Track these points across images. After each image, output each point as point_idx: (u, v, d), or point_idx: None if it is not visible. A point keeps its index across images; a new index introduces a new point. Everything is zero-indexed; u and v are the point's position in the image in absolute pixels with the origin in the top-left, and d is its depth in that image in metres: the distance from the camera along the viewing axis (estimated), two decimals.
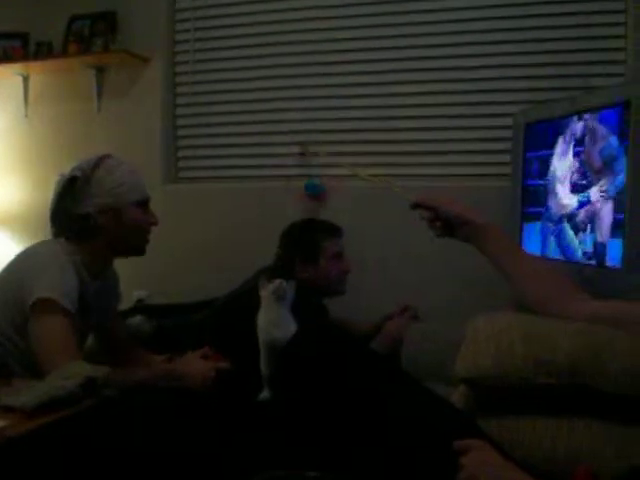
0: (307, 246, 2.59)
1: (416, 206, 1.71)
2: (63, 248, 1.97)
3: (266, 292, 1.89)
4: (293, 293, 1.90)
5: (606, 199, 1.96)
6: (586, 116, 2.11)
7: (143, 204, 2.08)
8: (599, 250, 2.00)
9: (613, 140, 1.94)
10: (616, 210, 1.91)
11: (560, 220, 2.24)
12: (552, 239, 2.30)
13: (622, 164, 1.88)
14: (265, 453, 1.56)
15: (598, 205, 2.00)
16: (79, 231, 1.99)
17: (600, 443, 1.29)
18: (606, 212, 1.96)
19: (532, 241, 2.43)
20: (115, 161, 2.05)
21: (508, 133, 2.80)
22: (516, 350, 1.33)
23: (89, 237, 2.00)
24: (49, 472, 1.40)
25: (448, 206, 1.65)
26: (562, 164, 2.24)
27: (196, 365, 1.98)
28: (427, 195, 1.70)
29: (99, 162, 2.01)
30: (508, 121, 2.80)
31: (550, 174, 2.32)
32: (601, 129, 2.03)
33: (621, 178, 1.88)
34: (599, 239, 2.00)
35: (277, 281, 1.88)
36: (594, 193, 2.03)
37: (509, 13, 3.04)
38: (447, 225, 1.66)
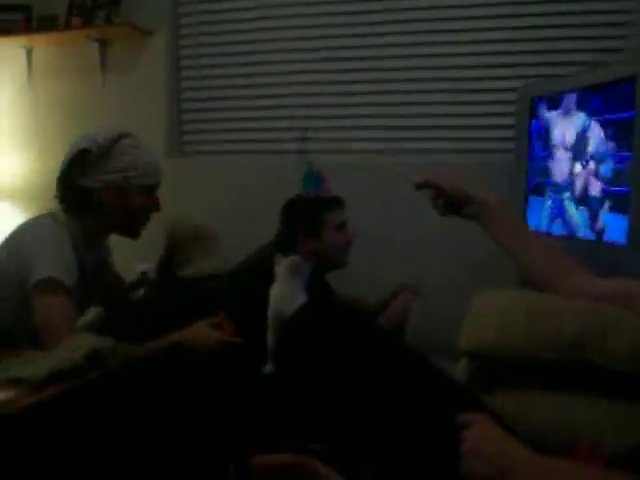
0: (309, 219, 2.59)
1: (420, 186, 1.69)
2: (59, 221, 1.97)
3: (281, 268, 1.88)
4: (308, 271, 1.89)
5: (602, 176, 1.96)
6: (590, 91, 2.11)
7: (150, 190, 2.09)
8: (598, 225, 2.00)
9: (617, 115, 1.94)
10: (618, 185, 1.91)
11: (561, 192, 2.24)
12: (556, 214, 2.30)
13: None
14: (267, 426, 1.57)
15: (595, 180, 2.01)
16: (79, 203, 2.00)
17: (602, 420, 1.30)
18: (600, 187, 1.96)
19: (537, 216, 2.43)
20: (132, 142, 2.05)
21: (512, 108, 2.80)
22: (520, 324, 1.34)
23: (88, 211, 2.00)
24: (56, 443, 1.42)
25: (453, 184, 1.65)
26: (565, 133, 2.24)
27: (203, 334, 1.98)
28: (430, 174, 1.69)
29: (116, 139, 2.01)
30: (511, 96, 2.79)
31: (553, 142, 2.32)
32: (605, 103, 2.02)
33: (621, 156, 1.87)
34: (598, 213, 2.01)
35: (293, 257, 1.88)
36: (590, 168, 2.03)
37: None
38: (451, 204, 1.65)
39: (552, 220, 2.33)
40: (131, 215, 2.07)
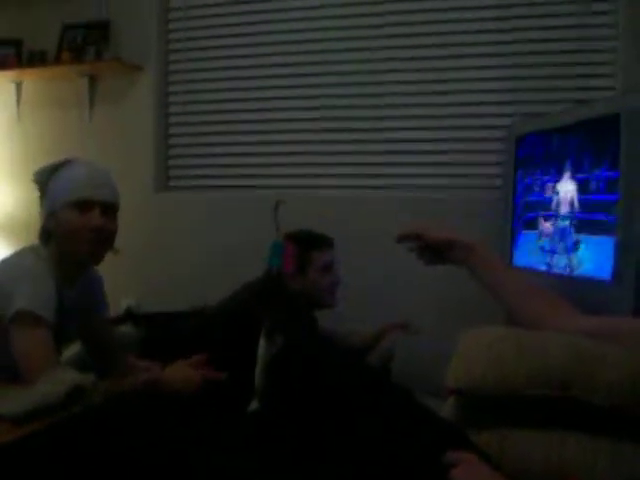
0: (296, 256, 2.58)
1: (401, 239, 1.70)
2: (38, 255, 1.95)
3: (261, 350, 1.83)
4: None
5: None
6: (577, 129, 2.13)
7: (79, 206, 1.94)
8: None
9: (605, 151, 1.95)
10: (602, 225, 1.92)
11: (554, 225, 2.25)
12: (542, 250, 2.31)
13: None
14: (254, 463, 1.55)
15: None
16: (42, 235, 2.00)
17: (591, 457, 1.28)
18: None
19: (526, 251, 2.43)
20: (71, 165, 2.00)
21: (499, 145, 2.82)
22: (507, 361, 1.33)
23: (48, 242, 1.99)
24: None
25: (434, 232, 1.65)
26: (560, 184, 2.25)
27: (182, 373, 1.98)
28: (412, 226, 1.69)
29: (57, 168, 2.00)
30: (498, 133, 2.82)
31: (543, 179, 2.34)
32: (591, 140, 2.04)
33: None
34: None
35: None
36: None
37: (500, 26, 3.07)
38: (436, 251, 1.65)
39: (536, 255, 2.33)
40: (67, 236, 1.95)
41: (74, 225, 1.93)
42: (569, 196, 2.12)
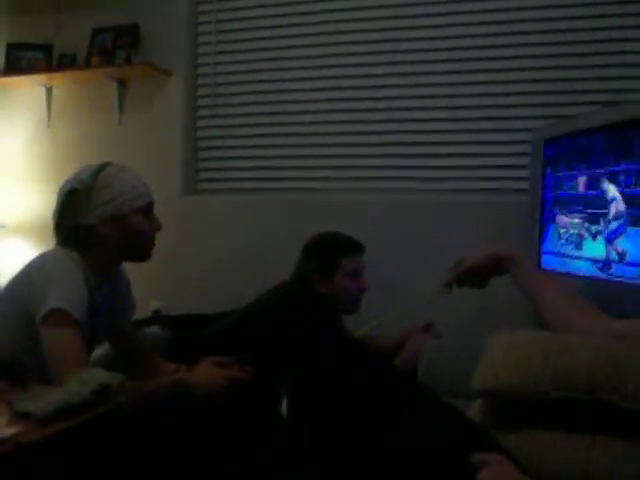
0: (324, 261, 2.58)
1: (450, 285, 1.77)
2: (70, 256, 1.96)
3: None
4: None
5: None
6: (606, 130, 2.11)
7: (146, 210, 2.04)
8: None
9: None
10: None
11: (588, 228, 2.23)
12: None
13: None
14: (279, 467, 1.55)
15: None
16: (83, 241, 1.98)
17: (619, 461, 1.26)
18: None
19: (553, 245, 2.42)
20: (114, 169, 2.02)
21: (525, 148, 2.80)
22: (535, 363, 1.32)
23: (93, 246, 1.98)
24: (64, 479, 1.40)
25: (473, 259, 1.71)
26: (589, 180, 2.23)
27: (209, 373, 1.99)
28: (453, 271, 1.76)
29: (98, 172, 1.99)
30: (526, 136, 2.80)
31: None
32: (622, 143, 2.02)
33: None
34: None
35: None
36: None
37: (530, 28, 3.05)
38: (483, 274, 1.72)
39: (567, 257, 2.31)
40: (135, 240, 2.02)
41: (145, 228, 2.03)
42: (612, 195, 2.10)
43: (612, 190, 2.09)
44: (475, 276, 1.73)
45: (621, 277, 2.04)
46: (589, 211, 2.22)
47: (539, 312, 1.59)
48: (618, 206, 2.06)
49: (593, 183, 2.20)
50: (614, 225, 2.08)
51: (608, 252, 2.10)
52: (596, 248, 2.17)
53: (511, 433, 1.36)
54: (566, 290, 1.61)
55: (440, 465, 1.23)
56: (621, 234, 2.04)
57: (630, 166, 2.00)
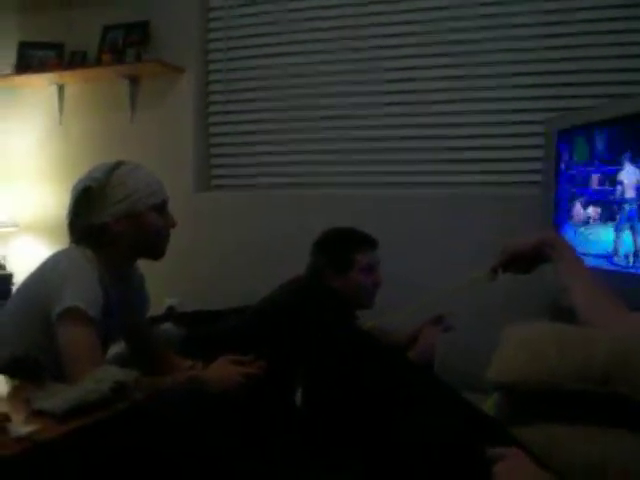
0: (338, 256, 2.57)
1: (495, 270, 1.72)
2: (85, 255, 1.96)
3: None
4: None
5: None
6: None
7: (160, 207, 2.04)
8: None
9: None
10: None
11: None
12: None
13: None
14: (298, 458, 1.55)
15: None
16: (98, 240, 1.98)
17: (635, 455, 1.26)
18: None
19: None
20: (128, 167, 2.02)
21: (537, 140, 2.79)
22: (550, 355, 1.31)
23: (108, 245, 1.99)
24: (79, 477, 1.41)
25: (520, 245, 1.67)
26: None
27: (223, 370, 1.99)
28: (498, 257, 1.72)
29: (112, 170, 1.99)
30: (538, 128, 2.78)
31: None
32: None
33: None
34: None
35: None
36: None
37: (542, 20, 3.03)
38: (527, 260, 1.68)
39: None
40: (150, 237, 2.03)
41: (160, 225, 2.03)
42: (633, 181, 2.09)
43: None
44: (520, 262, 1.70)
45: None
46: (606, 206, 2.21)
47: (572, 301, 1.57)
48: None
49: (608, 177, 2.19)
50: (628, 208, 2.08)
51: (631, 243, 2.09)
52: (611, 240, 2.16)
53: (526, 426, 1.36)
54: (600, 289, 1.58)
55: (455, 458, 1.23)
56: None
57: None
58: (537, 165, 2.84)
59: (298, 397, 1.81)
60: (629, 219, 2.09)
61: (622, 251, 2.13)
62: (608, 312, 1.48)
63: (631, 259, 2.07)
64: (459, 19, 3.17)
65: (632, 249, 2.07)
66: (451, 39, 3.19)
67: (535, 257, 1.65)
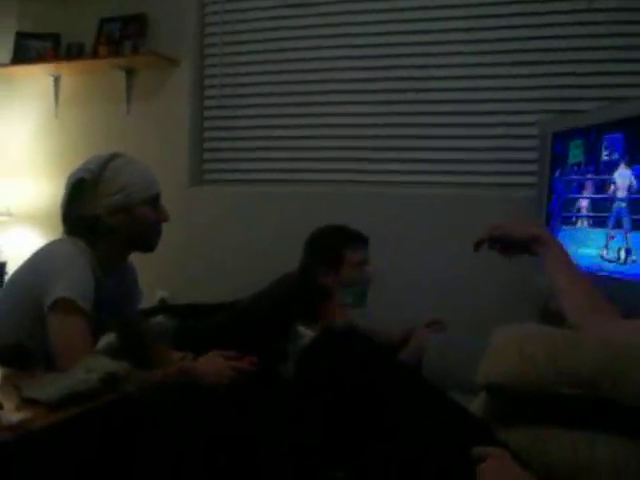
0: (330, 253, 2.58)
1: (479, 244, 1.71)
2: (77, 246, 1.97)
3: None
4: None
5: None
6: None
7: (153, 201, 2.05)
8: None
9: None
10: None
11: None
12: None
13: None
14: (281, 457, 1.56)
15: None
16: (91, 231, 1.99)
17: (621, 458, 1.27)
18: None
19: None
20: (123, 160, 2.02)
21: (534, 143, 2.79)
22: (538, 358, 1.32)
23: (101, 237, 1.99)
24: (69, 466, 1.41)
25: (514, 231, 1.66)
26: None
27: (214, 364, 2.00)
28: (490, 231, 1.70)
29: (107, 162, 1.99)
30: (533, 130, 2.79)
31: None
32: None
33: None
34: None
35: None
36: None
37: (534, 22, 3.04)
38: (518, 245, 1.67)
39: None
40: (143, 230, 2.04)
41: (153, 219, 2.05)
42: (627, 184, 2.09)
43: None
44: (506, 245, 1.70)
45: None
46: (600, 213, 2.22)
47: (560, 306, 1.58)
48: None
49: (603, 184, 2.20)
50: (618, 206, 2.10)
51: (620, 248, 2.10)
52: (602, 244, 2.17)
53: (513, 428, 1.36)
54: (589, 287, 1.59)
55: (440, 459, 1.24)
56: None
57: None
58: (532, 167, 2.84)
59: (287, 391, 1.82)
60: (620, 220, 2.10)
61: (612, 252, 2.14)
62: (591, 307, 1.49)
63: (622, 258, 2.09)
64: (458, 19, 3.18)
65: (623, 247, 2.10)
66: (451, 39, 3.19)
67: (523, 248, 1.66)
